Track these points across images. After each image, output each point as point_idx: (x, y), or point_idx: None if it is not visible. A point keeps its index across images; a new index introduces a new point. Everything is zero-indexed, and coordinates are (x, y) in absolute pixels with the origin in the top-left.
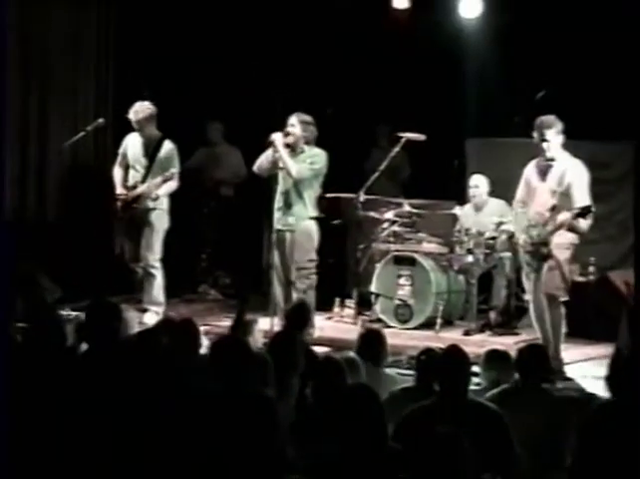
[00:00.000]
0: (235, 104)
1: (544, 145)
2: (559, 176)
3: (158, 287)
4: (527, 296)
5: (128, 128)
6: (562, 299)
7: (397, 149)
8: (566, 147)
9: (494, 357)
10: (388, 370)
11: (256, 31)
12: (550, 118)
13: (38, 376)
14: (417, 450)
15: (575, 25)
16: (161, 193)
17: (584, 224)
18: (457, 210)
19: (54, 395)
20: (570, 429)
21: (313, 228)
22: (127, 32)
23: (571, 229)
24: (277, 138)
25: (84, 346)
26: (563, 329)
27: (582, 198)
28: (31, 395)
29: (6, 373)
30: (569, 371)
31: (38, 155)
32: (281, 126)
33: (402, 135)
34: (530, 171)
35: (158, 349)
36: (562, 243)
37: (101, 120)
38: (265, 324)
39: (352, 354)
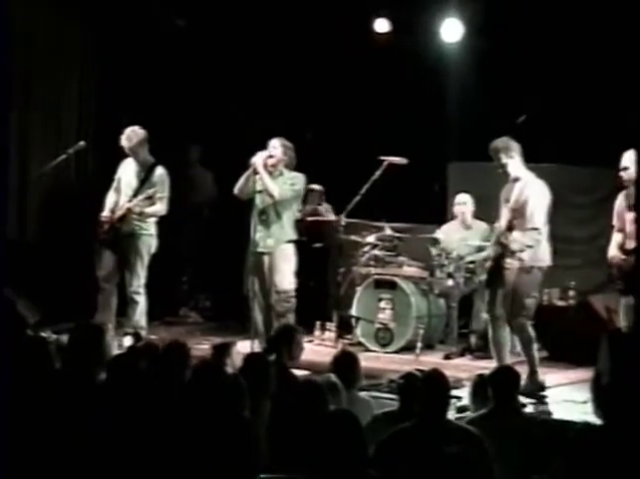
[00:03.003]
0: (213, 127)
1: (503, 169)
2: (518, 192)
3: (140, 313)
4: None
5: (109, 151)
6: (521, 322)
7: (379, 172)
8: (548, 171)
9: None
10: (362, 394)
11: (237, 55)
12: (498, 142)
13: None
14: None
15: (557, 49)
16: (149, 211)
17: (515, 243)
18: (438, 232)
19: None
20: (545, 453)
21: (292, 250)
22: (109, 54)
23: (503, 244)
24: (258, 160)
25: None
26: (536, 352)
27: (536, 217)
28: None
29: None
30: (549, 395)
31: (19, 177)
32: (261, 149)
33: (384, 158)
34: (503, 194)
35: (134, 372)
36: (518, 266)
37: (82, 142)
38: (245, 348)
39: (334, 378)
